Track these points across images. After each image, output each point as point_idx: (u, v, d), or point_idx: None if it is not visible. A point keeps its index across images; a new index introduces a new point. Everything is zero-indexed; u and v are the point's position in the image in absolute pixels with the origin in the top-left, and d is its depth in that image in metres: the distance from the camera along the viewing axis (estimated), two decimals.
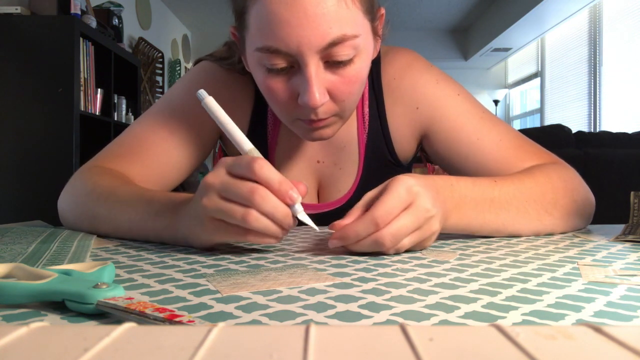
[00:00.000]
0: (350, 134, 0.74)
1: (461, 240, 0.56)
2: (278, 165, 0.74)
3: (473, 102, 0.72)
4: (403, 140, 0.74)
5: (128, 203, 0.57)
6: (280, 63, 0.55)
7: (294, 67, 0.56)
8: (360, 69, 0.59)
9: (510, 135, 0.70)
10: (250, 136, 0.74)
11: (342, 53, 0.55)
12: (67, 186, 0.67)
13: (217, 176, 0.45)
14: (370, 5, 0.59)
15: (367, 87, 0.73)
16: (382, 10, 0.64)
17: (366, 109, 0.74)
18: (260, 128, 0.74)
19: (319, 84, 0.56)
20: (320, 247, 0.51)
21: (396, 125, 0.73)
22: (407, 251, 0.49)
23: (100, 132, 3.05)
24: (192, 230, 0.48)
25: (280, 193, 0.44)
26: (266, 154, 0.74)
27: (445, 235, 0.60)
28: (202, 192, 0.46)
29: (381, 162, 0.74)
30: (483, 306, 0.30)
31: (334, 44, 0.54)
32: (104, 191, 0.60)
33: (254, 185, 0.43)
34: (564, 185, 0.62)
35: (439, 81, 0.72)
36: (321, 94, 0.56)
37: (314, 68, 0.55)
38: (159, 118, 0.71)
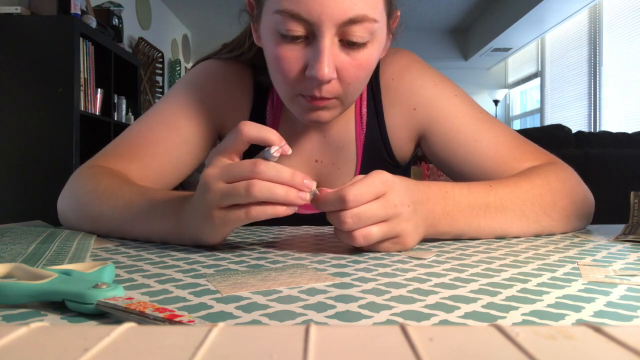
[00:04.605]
0: (348, 133, 0.74)
1: (461, 240, 0.56)
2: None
3: (470, 103, 0.72)
4: (401, 141, 0.74)
5: (130, 203, 0.57)
6: (297, 30, 0.56)
7: (309, 38, 0.57)
8: (371, 55, 0.59)
9: (508, 135, 0.70)
10: None
11: (359, 34, 0.56)
12: (66, 186, 0.67)
13: (214, 166, 0.45)
14: (390, 1, 0.61)
15: (366, 87, 0.73)
16: (398, 13, 0.65)
17: (364, 109, 0.74)
18: None
19: (331, 58, 0.56)
20: (320, 247, 0.51)
21: (394, 126, 0.73)
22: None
23: (100, 132, 3.05)
24: (200, 227, 0.48)
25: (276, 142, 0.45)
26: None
27: None
28: (203, 186, 0.46)
29: (379, 163, 0.74)
30: (483, 306, 0.30)
31: (354, 21, 0.55)
32: (105, 190, 0.60)
33: (254, 159, 0.44)
34: (562, 187, 0.61)
35: (437, 83, 0.72)
36: (330, 68, 0.56)
37: (329, 41, 0.55)
38: (158, 118, 0.71)
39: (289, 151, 0.46)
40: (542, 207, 0.58)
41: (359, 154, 0.74)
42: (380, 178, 0.46)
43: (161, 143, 0.70)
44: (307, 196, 0.45)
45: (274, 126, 0.75)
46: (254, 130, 0.45)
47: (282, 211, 0.44)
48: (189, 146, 0.71)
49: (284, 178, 0.43)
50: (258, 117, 0.74)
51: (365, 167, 0.75)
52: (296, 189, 0.44)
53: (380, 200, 0.46)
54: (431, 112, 0.71)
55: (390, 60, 0.74)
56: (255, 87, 0.74)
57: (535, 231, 0.59)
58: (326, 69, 0.55)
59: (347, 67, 0.58)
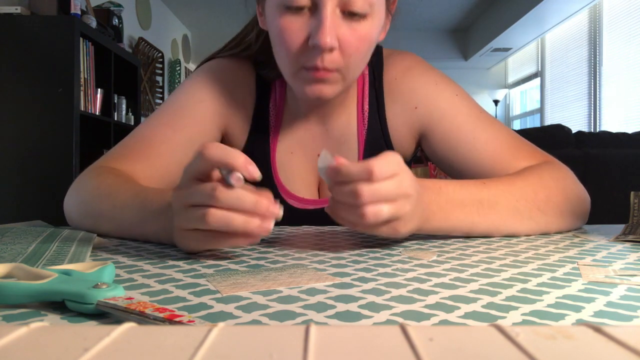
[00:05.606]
0: (350, 129, 0.75)
1: (461, 240, 0.56)
2: (279, 160, 0.75)
3: (471, 102, 0.74)
4: (402, 139, 0.75)
5: (126, 203, 0.57)
6: (300, 0, 0.58)
7: (312, 9, 0.59)
8: (370, 29, 0.61)
9: (506, 135, 0.72)
10: (252, 132, 0.75)
11: (359, 4, 0.59)
12: (72, 185, 0.68)
13: (181, 187, 0.45)
14: None
15: (368, 85, 0.75)
16: None
17: (366, 106, 0.75)
18: (263, 124, 0.75)
19: (332, 27, 0.58)
20: (320, 247, 0.51)
21: (395, 124, 0.75)
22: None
23: (100, 132, 3.05)
24: (178, 241, 0.48)
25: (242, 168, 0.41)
26: (268, 149, 0.75)
27: (444, 235, 0.59)
28: (173, 205, 0.46)
29: None
30: (483, 306, 0.30)
31: None
32: (106, 190, 0.61)
33: (215, 183, 0.42)
34: (555, 184, 0.62)
35: (438, 82, 0.74)
36: (332, 37, 0.58)
37: (331, 10, 0.58)
38: (163, 119, 0.73)
39: (257, 175, 0.42)
40: (535, 203, 0.59)
41: (360, 150, 0.75)
42: (396, 158, 0.47)
43: (166, 143, 0.71)
44: (272, 225, 0.42)
45: (277, 121, 0.76)
46: (217, 154, 0.41)
47: (241, 243, 0.43)
48: (193, 145, 0.72)
49: (245, 206, 0.41)
50: (261, 113, 0.75)
51: None
52: (260, 217, 0.42)
53: (395, 179, 0.46)
54: (432, 111, 0.72)
55: (393, 61, 0.76)
56: (257, 83, 0.75)
57: (529, 228, 0.59)
58: (328, 37, 0.57)
59: (349, 39, 0.60)
